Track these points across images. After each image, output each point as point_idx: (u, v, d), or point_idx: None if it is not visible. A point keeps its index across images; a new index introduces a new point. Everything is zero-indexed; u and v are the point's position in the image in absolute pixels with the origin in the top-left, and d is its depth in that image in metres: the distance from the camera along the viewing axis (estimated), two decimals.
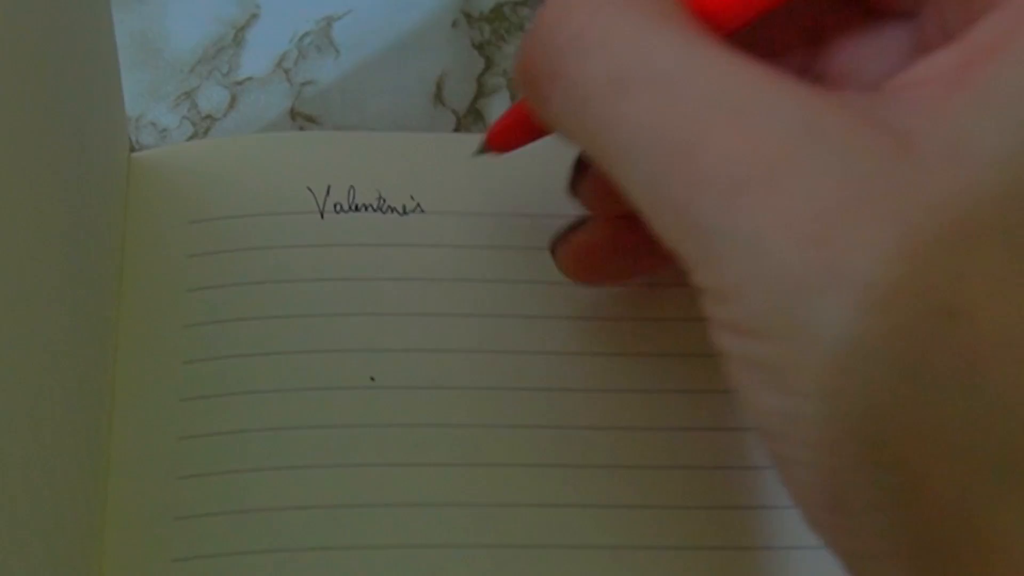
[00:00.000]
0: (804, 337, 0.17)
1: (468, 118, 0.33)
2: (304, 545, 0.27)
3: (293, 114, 0.33)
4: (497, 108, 0.33)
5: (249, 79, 0.33)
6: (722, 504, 0.28)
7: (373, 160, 0.31)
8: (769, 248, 0.17)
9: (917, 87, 0.18)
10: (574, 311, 0.29)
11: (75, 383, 0.25)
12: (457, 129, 0.33)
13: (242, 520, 0.27)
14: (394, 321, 0.29)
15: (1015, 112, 0.17)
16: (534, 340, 0.29)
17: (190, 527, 0.27)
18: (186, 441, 0.28)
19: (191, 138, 0.33)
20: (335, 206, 0.30)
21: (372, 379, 0.28)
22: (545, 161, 0.26)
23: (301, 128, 0.33)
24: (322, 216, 0.30)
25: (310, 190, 0.30)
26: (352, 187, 0.30)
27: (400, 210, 0.30)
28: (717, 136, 0.18)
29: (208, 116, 0.33)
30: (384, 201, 0.30)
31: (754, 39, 0.22)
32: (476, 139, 0.29)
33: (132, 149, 0.32)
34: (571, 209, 0.26)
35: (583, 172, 0.26)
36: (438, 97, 0.33)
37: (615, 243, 0.27)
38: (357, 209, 0.30)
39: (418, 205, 0.30)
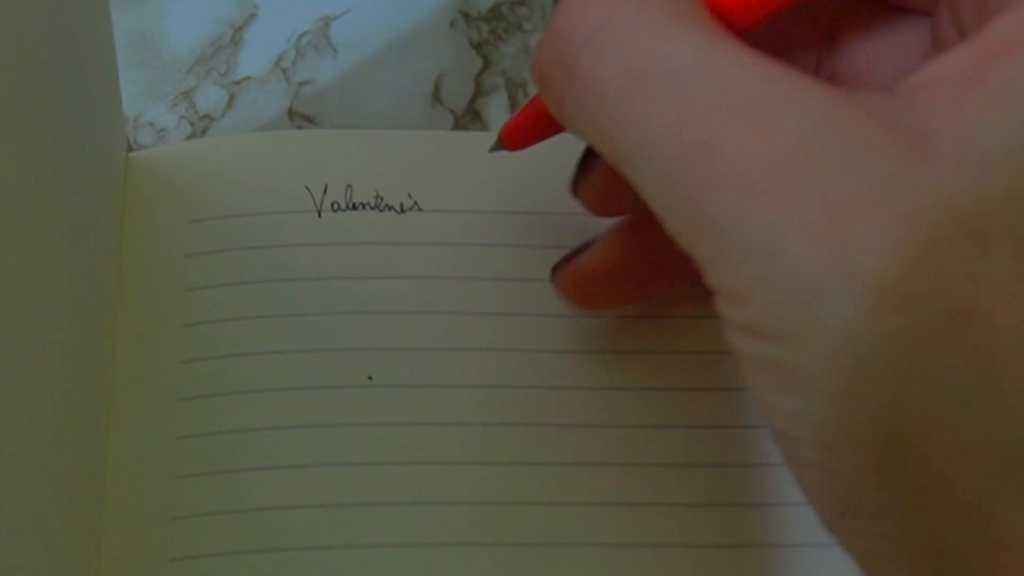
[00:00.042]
0: (816, 338, 0.17)
1: (466, 118, 0.33)
2: (302, 544, 0.27)
3: (291, 114, 0.33)
4: (495, 108, 0.33)
5: (247, 79, 0.33)
6: (727, 502, 0.28)
7: (371, 158, 0.31)
8: (782, 248, 0.17)
9: (931, 86, 0.18)
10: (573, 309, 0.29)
11: (73, 382, 0.25)
12: (455, 128, 0.33)
13: (240, 519, 0.27)
14: (392, 320, 0.29)
15: None
16: (532, 338, 0.29)
17: (188, 527, 0.27)
18: (184, 440, 0.28)
19: (189, 138, 0.33)
20: (333, 205, 0.30)
21: (370, 378, 0.28)
22: (544, 159, 0.26)
23: (299, 128, 0.33)
24: (320, 215, 0.30)
25: (308, 189, 0.30)
26: (350, 186, 0.30)
27: (398, 208, 0.30)
28: (732, 135, 0.18)
29: (206, 116, 0.33)
30: (382, 199, 0.30)
31: (769, 37, 0.22)
32: (474, 137, 0.29)
33: (130, 149, 0.32)
34: (570, 206, 0.26)
35: (586, 172, 0.26)
36: (436, 97, 0.33)
37: (612, 271, 0.27)
38: (355, 208, 0.30)
39: (416, 203, 0.30)
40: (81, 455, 0.25)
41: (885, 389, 0.16)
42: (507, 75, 0.33)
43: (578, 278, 0.27)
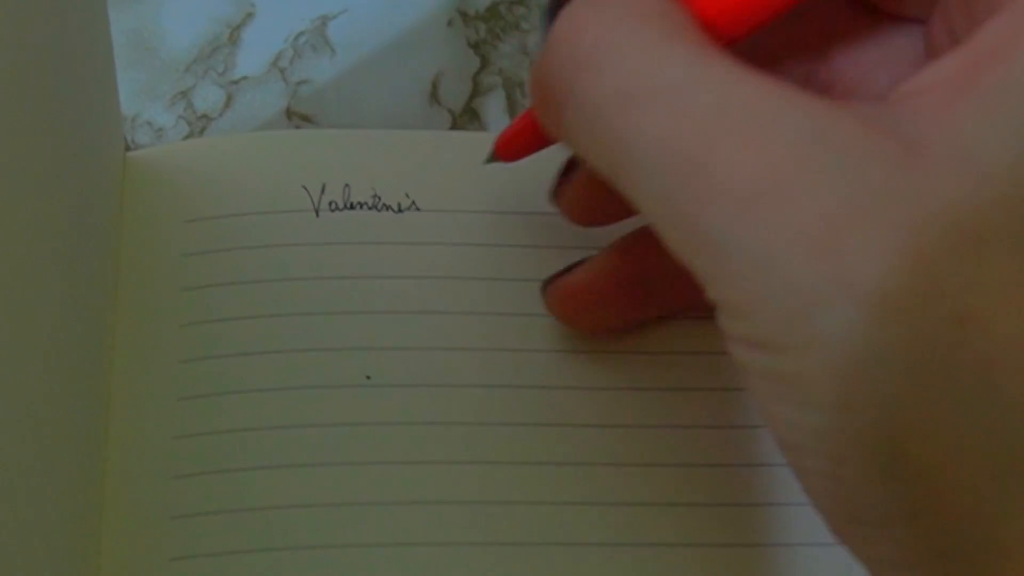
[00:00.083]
0: (816, 349, 0.17)
1: (464, 117, 0.33)
2: (300, 544, 0.27)
3: (289, 113, 0.33)
4: (493, 107, 0.33)
5: (245, 78, 0.33)
6: (727, 501, 0.28)
7: (368, 158, 0.31)
8: (779, 260, 0.17)
9: (923, 94, 0.18)
10: None
11: (71, 382, 0.25)
12: (453, 128, 0.33)
13: (238, 519, 0.27)
14: (390, 319, 0.29)
15: (1020, 118, 0.17)
16: (530, 338, 0.29)
17: (187, 526, 0.27)
18: (182, 440, 0.28)
19: (187, 137, 0.33)
20: (330, 204, 0.30)
21: (368, 377, 0.28)
22: (542, 161, 0.26)
23: (297, 127, 0.33)
24: (317, 214, 0.30)
25: (305, 188, 0.30)
26: (347, 185, 0.30)
27: (395, 208, 0.30)
28: (726, 149, 0.18)
29: (204, 115, 0.33)
30: (379, 199, 0.30)
31: (761, 50, 0.22)
32: (472, 137, 0.29)
33: (128, 148, 0.32)
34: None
35: (566, 180, 0.26)
36: (434, 96, 0.33)
37: (598, 292, 0.27)
38: (352, 207, 0.30)
39: (413, 203, 0.30)
40: (80, 455, 0.25)
41: (886, 397, 0.17)
42: (505, 74, 0.34)
43: (564, 296, 0.28)
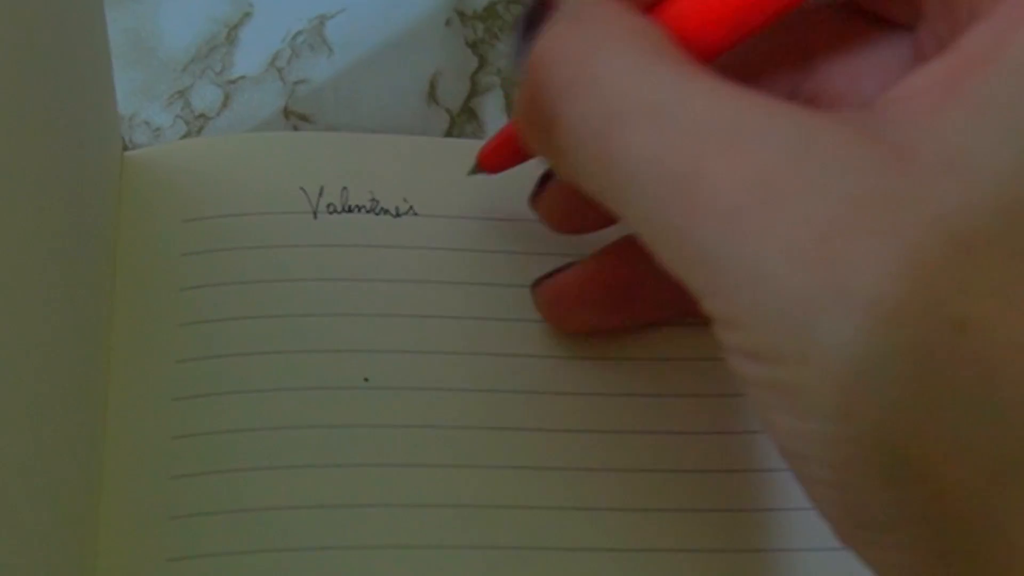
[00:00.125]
0: (814, 358, 0.17)
1: (462, 117, 0.33)
2: (298, 545, 0.27)
3: (286, 113, 0.33)
4: (491, 106, 0.33)
5: (242, 78, 0.33)
6: (724, 507, 0.28)
7: (367, 162, 0.31)
8: (772, 272, 0.17)
9: (909, 99, 0.18)
10: None
11: (69, 382, 0.25)
12: (451, 127, 0.33)
13: (236, 520, 0.27)
14: (387, 322, 0.29)
15: (1008, 121, 0.17)
16: (528, 343, 0.29)
17: (184, 527, 0.27)
18: (180, 440, 0.28)
19: (184, 137, 0.32)
20: (328, 207, 0.30)
21: (366, 379, 0.28)
22: (540, 164, 0.26)
23: (294, 127, 0.33)
24: (315, 216, 0.30)
25: (303, 190, 0.30)
26: (345, 188, 0.30)
27: (393, 212, 0.30)
28: (712, 163, 0.18)
29: (201, 115, 0.33)
30: (377, 203, 0.30)
31: (744, 63, 0.22)
32: (470, 144, 0.29)
33: (125, 148, 0.32)
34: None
35: (542, 188, 0.27)
36: (432, 96, 0.33)
37: (586, 293, 0.28)
38: (350, 210, 0.30)
39: (411, 208, 0.30)
40: (77, 455, 0.25)
41: (887, 403, 0.17)
42: (503, 74, 0.34)
43: (551, 296, 0.28)
